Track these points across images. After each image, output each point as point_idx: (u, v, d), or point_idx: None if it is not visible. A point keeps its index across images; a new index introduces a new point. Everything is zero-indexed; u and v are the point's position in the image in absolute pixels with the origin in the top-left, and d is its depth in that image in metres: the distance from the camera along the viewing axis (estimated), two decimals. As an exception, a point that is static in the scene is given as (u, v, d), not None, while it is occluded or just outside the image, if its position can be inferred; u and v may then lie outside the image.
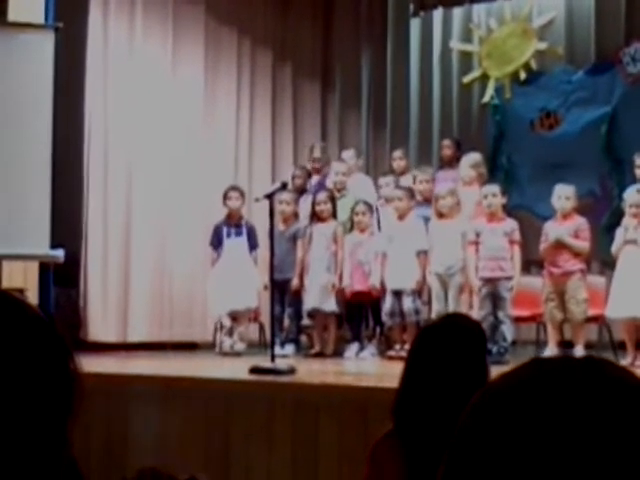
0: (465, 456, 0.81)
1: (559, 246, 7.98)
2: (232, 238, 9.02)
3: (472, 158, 9.18)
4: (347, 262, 8.74)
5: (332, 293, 8.73)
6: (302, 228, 9.04)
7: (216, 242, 9.09)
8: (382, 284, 8.48)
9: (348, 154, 10.07)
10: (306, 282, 8.86)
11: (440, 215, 8.33)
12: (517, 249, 8.05)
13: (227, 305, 8.90)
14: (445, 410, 2.57)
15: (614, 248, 7.85)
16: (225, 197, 9.12)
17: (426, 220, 8.50)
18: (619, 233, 7.86)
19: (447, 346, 2.73)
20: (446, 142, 10.18)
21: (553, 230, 8.08)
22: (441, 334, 2.79)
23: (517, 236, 8.07)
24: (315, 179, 9.92)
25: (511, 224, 8.14)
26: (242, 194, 9.19)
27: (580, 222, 8.10)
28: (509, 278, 7.97)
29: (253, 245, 9.05)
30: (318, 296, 8.74)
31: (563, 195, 8.12)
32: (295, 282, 8.88)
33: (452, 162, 9.72)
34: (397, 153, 10.01)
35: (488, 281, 7.95)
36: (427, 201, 8.77)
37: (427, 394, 2.68)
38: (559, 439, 0.77)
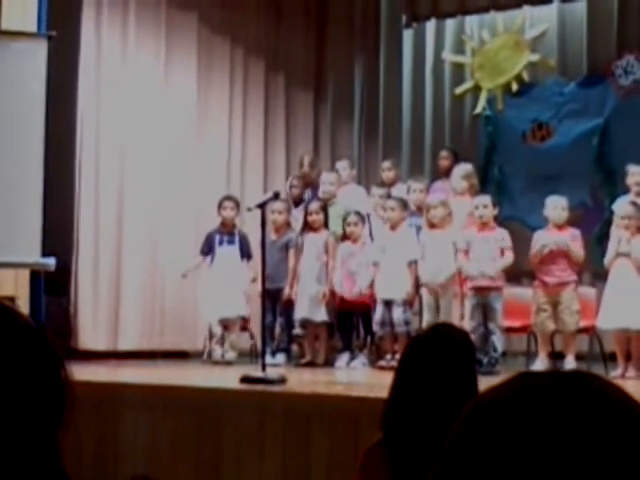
0: (453, 470, 0.81)
1: (556, 254, 7.99)
2: (224, 246, 9.04)
3: (463, 169, 9.20)
4: (338, 271, 8.74)
5: (322, 303, 8.73)
6: (294, 238, 9.05)
7: (207, 249, 9.12)
8: (373, 294, 8.49)
9: (342, 164, 10.07)
10: (297, 292, 8.86)
11: (431, 225, 8.34)
12: (508, 253, 8.06)
13: (218, 312, 8.91)
14: (434, 420, 2.57)
15: (606, 260, 7.87)
16: (220, 206, 9.15)
17: (419, 229, 8.52)
18: (611, 245, 7.88)
19: (436, 356, 2.73)
20: (443, 153, 10.19)
21: (549, 238, 8.08)
22: (430, 344, 2.79)
23: (508, 242, 8.08)
24: (309, 190, 9.94)
25: (501, 233, 8.16)
26: (237, 204, 9.21)
27: (574, 232, 8.13)
28: (499, 289, 7.98)
29: (246, 254, 9.07)
30: (308, 306, 8.75)
31: (559, 206, 8.15)
32: (287, 291, 8.90)
33: (449, 173, 9.73)
34: (386, 164, 9.98)
35: (478, 291, 7.96)
36: (420, 211, 8.78)
37: (416, 404, 2.68)
38: (546, 454, 0.77)
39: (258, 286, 8.07)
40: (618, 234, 7.82)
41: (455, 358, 2.74)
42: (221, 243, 9.05)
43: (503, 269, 8.04)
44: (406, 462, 2.61)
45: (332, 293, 8.77)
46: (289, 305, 8.94)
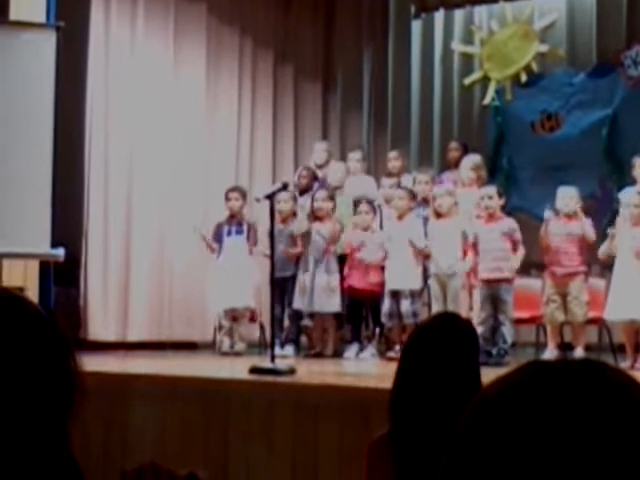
0: (464, 459, 0.81)
1: (565, 244, 7.98)
2: (232, 236, 9.04)
3: (472, 160, 9.19)
4: (348, 260, 8.76)
5: (333, 293, 8.73)
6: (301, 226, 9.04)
7: (216, 239, 9.13)
8: (383, 283, 8.50)
9: (356, 156, 10.03)
10: (305, 281, 8.84)
11: (438, 215, 8.34)
12: (520, 250, 8.05)
13: (225, 303, 8.92)
14: (437, 410, 2.58)
15: (601, 251, 7.90)
16: (226, 198, 9.15)
17: (425, 221, 8.52)
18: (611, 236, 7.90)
19: (439, 345, 2.73)
20: (453, 144, 10.19)
21: (560, 228, 8.08)
22: (433, 333, 2.79)
23: (518, 236, 8.07)
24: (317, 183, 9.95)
25: (509, 224, 8.13)
26: (243, 194, 9.20)
27: (584, 220, 8.12)
28: (509, 280, 7.97)
29: (252, 241, 9.07)
30: (321, 299, 8.74)
31: (568, 196, 8.15)
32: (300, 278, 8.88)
33: (458, 164, 9.73)
34: (392, 154, 9.99)
35: (488, 283, 7.96)
36: (426, 202, 8.78)
37: (420, 393, 2.68)
38: (557, 442, 0.77)
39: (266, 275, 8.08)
40: (623, 224, 7.83)
41: (458, 347, 2.74)
42: (229, 233, 9.05)
43: (517, 267, 8.03)
44: (411, 452, 2.61)
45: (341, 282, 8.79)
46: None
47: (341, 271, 8.85)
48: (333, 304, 8.75)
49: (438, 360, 2.70)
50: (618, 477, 0.76)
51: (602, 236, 8.75)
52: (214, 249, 9.09)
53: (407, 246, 8.36)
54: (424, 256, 8.38)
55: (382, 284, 8.51)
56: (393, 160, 9.85)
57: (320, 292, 8.75)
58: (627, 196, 8.07)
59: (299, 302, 8.84)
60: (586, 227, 8.05)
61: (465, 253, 8.20)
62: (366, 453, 2.84)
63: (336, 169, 9.65)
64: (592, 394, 0.79)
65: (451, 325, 2.82)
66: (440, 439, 2.61)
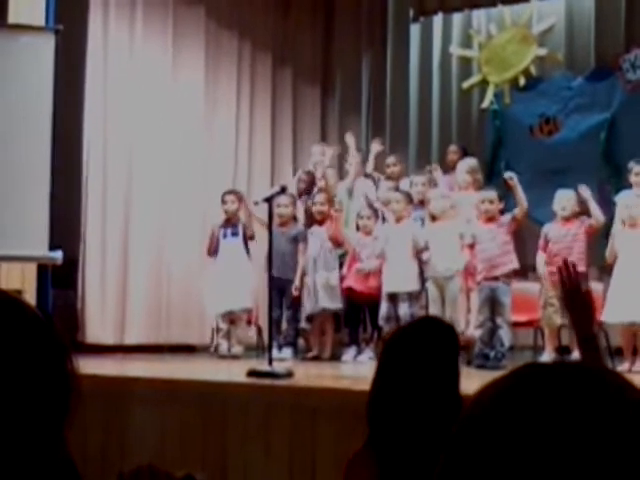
0: (460, 461, 0.81)
1: (564, 247, 7.99)
2: (228, 238, 9.06)
3: (467, 164, 9.20)
4: (347, 261, 8.77)
5: (333, 291, 8.74)
6: (302, 230, 9.05)
7: (213, 242, 9.16)
8: (381, 286, 8.51)
9: (356, 158, 10.06)
10: (306, 284, 8.85)
11: (433, 218, 8.36)
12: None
13: (222, 305, 8.93)
14: (415, 411, 2.56)
15: (607, 253, 7.90)
16: (222, 201, 9.16)
17: (422, 222, 8.55)
18: (612, 239, 7.90)
19: (417, 346, 2.70)
20: (452, 148, 10.20)
21: (557, 231, 8.09)
22: (412, 334, 2.76)
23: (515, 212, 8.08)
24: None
25: (505, 218, 8.11)
26: (239, 197, 9.21)
27: (582, 218, 8.13)
28: (508, 279, 7.95)
29: (248, 238, 9.08)
30: (322, 296, 8.75)
31: (565, 199, 8.17)
32: (297, 284, 8.88)
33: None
34: (391, 159, 9.98)
35: (487, 284, 7.94)
36: (423, 204, 8.82)
37: (397, 394, 2.65)
38: (553, 444, 0.77)
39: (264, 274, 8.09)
40: (619, 227, 7.85)
41: (437, 348, 2.71)
42: (225, 236, 9.08)
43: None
44: (392, 455, 2.59)
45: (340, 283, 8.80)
46: (296, 299, 8.94)
47: (341, 268, 8.88)
48: (335, 301, 8.75)
49: (416, 360, 2.67)
50: (614, 479, 0.76)
51: (600, 239, 8.77)
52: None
53: (405, 248, 8.36)
54: (420, 260, 8.38)
55: (380, 287, 8.52)
56: (392, 166, 9.85)
57: (321, 289, 8.75)
58: (625, 198, 8.08)
59: (309, 307, 8.85)
60: (594, 212, 8.05)
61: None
62: (344, 469, 2.81)
63: (333, 174, 9.65)
64: (587, 396, 0.79)
65: (432, 327, 2.79)
66: (419, 440, 2.61)
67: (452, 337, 2.80)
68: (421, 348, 2.69)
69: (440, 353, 2.71)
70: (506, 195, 8.69)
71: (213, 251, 9.15)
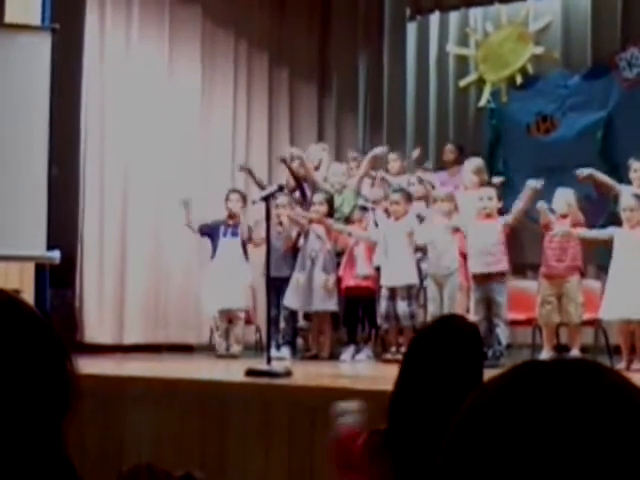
0: (459, 458, 0.81)
1: (561, 244, 8.00)
2: (228, 237, 9.06)
3: (474, 164, 9.17)
4: (344, 258, 8.78)
5: (330, 293, 8.74)
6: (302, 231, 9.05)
7: (207, 230, 9.15)
8: (376, 279, 8.54)
9: (353, 154, 10.17)
10: (299, 279, 8.85)
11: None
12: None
13: (220, 304, 8.93)
14: (438, 415, 2.55)
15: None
16: (226, 199, 9.17)
17: (419, 218, 8.57)
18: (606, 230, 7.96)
19: (442, 350, 2.68)
20: (449, 147, 10.21)
21: (556, 229, 8.10)
22: (435, 337, 2.74)
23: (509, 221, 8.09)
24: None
25: (499, 222, 8.12)
26: (243, 197, 9.21)
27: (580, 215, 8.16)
28: (502, 275, 7.95)
29: (247, 239, 9.10)
30: (319, 297, 8.75)
31: (562, 197, 8.18)
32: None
33: (454, 166, 9.78)
34: (392, 155, 10.03)
35: (480, 280, 7.94)
36: (418, 199, 8.91)
37: (422, 398, 2.65)
38: (551, 442, 0.77)
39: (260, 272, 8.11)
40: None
41: (461, 351, 2.69)
42: (225, 234, 9.07)
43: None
44: (409, 456, 2.59)
45: (337, 282, 8.81)
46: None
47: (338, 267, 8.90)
48: (330, 303, 8.75)
49: (440, 364, 2.64)
50: (613, 477, 0.76)
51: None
52: (190, 225, 9.14)
53: (403, 243, 8.36)
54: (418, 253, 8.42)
55: (373, 279, 8.54)
56: (392, 161, 9.91)
57: (318, 291, 8.75)
58: (622, 198, 8.08)
59: (290, 300, 8.84)
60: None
61: (462, 254, 8.21)
62: (362, 443, 2.82)
63: (338, 171, 9.62)
64: (586, 394, 0.79)
65: (453, 328, 2.77)
66: (439, 440, 2.59)
67: (475, 336, 2.79)
68: (445, 350, 2.67)
69: (463, 354, 2.69)
70: (504, 193, 8.70)
71: (207, 232, 9.16)
